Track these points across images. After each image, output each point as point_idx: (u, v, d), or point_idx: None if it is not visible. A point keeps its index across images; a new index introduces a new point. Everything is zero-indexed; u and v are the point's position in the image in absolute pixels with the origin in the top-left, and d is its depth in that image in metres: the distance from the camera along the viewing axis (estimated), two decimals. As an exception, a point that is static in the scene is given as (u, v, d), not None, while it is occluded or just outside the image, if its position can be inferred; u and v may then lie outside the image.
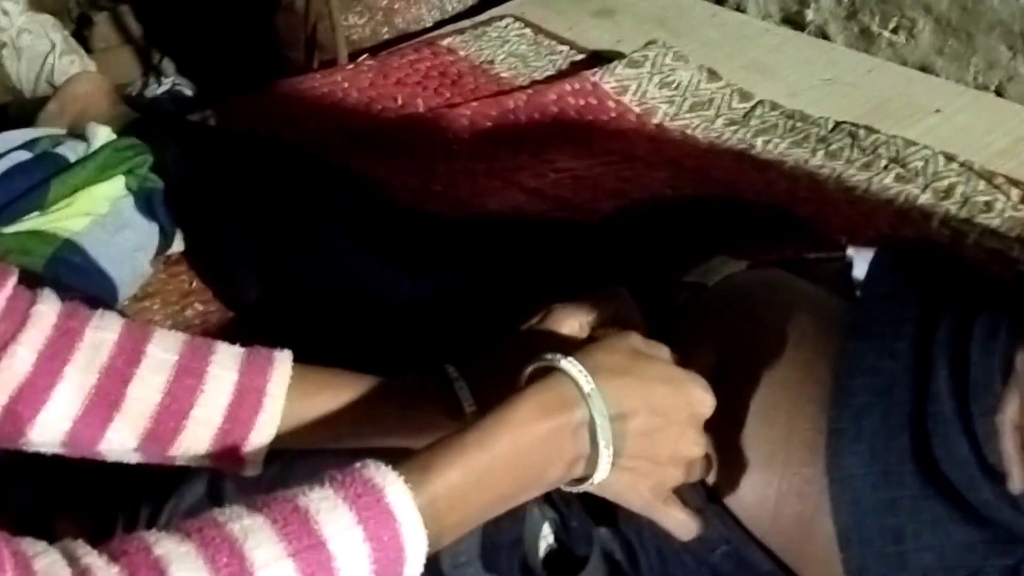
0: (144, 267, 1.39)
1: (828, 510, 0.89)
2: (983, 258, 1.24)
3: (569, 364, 0.72)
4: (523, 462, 0.69)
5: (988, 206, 1.30)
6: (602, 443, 0.72)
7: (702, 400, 0.78)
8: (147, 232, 1.39)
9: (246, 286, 1.35)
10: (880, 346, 0.94)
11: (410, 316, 1.20)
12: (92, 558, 0.56)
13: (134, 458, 0.80)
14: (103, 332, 0.78)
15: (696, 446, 0.79)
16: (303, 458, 0.85)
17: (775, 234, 1.17)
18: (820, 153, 1.50)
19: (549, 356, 0.73)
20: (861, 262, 1.04)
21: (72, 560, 0.55)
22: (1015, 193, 1.28)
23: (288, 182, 1.41)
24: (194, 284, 1.40)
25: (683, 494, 0.82)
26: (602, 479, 0.74)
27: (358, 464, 0.65)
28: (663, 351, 0.80)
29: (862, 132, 1.52)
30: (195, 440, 0.79)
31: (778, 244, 1.13)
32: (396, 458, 0.66)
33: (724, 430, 0.93)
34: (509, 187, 1.50)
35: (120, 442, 0.78)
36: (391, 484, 0.63)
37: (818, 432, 0.91)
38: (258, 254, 1.35)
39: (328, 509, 0.61)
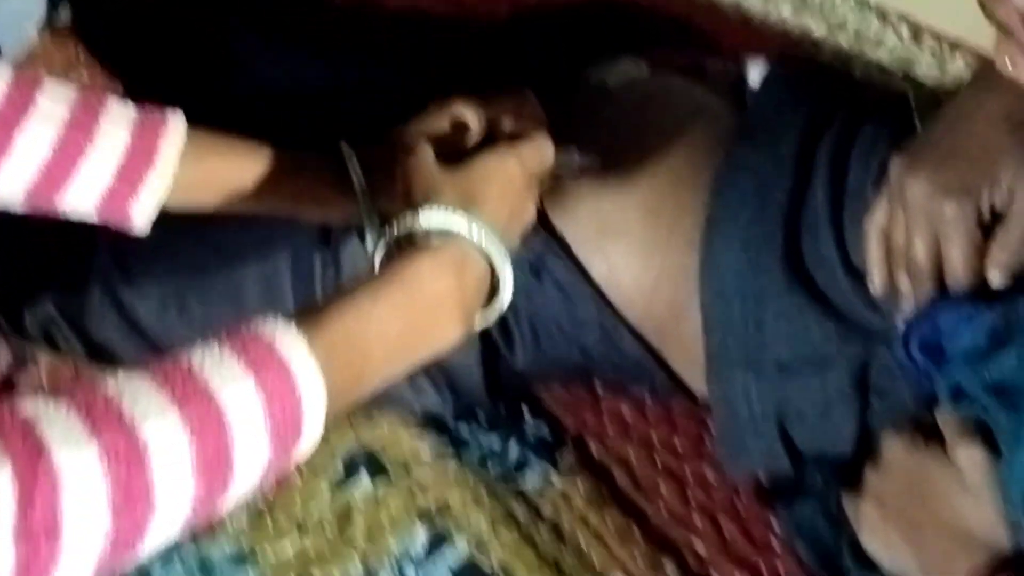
0: (30, 34, 1.35)
1: (698, 297, 0.93)
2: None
3: (433, 212, 0.70)
4: (424, 312, 0.67)
5: (879, 42, 1.33)
6: (502, 263, 0.71)
7: (517, 171, 0.78)
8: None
9: (135, 66, 1.32)
10: (764, 150, 0.97)
11: (303, 103, 1.19)
12: None
13: (20, 208, 0.79)
14: None
15: (530, 211, 0.80)
16: None
17: (676, 41, 1.19)
18: (722, -21, 1.50)
19: (406, 217, 0.70)
20: (755, 74, 1.07)
21: None
22: (905, 30, 1.31)
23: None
24: (81, 56, 1.36)
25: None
26: (508, 300, 0.74)
27: (247, 321, 0.59)
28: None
29: (763, -37, 1.52)
30: (83, 195, 0.78)
31: (679, 51, 1.14)
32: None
33: (610, 219, 0.96)
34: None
35: (9, 193, 0.77)
36: (281, 332, 0.58)
37: (698, 226, 0.94)
38: (148, 34, 1.32)
39: (214, 362, 0.56)
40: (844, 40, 1.36)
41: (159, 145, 0.79)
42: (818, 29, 1.39)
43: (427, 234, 0.69)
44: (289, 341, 0.58)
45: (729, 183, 0.95)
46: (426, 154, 0.76)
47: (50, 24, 1.38)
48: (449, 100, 0.88)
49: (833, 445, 0.90)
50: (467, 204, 0.71)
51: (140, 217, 0.80)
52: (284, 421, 0.57)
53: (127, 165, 0.78)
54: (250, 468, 0.56)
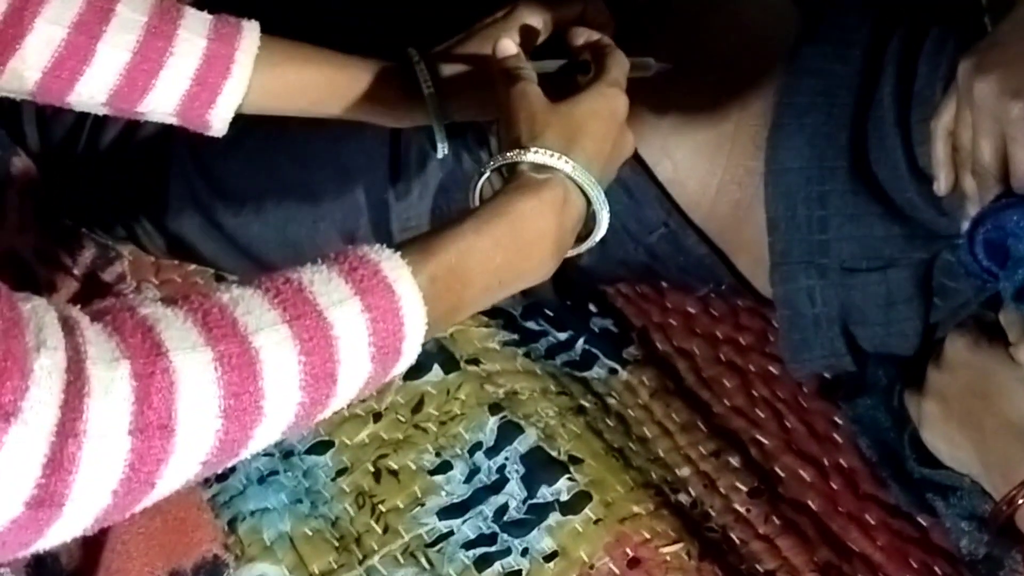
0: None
1: (763, 199, 0.95)
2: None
3: (540, 155, 0.70)
4: (524, 248, 0.68)
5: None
6: (600, 206, 0.72)
7: (622, 107, 0.77)
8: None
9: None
10: (830, 51, 0.97)
11: (361, 5, 1.19)
12: (73, 311, 0.52)
13: (102, 111, 0.82)
14: None
15: (630, 144, 0.79)
16: None
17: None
18: None
19: (510, 153, 0.71)
20: (820, -25, 1.06)
21: (57, 310, 0.51)
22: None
23: None
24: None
25: None
26: (604, 232, 0.75)
27: (349, 247, 0.61)
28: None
29: None
30: (163, 99, 0.81)
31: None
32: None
33: (677, 122, 0.97)
34: None
35: (89, 95, 0.80)
36: (387, 259, 0.60)
37: (764, 128, 0.96)
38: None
39: (323, 281, 0.57)
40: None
41: (235, 51, 0.82)
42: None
43: (531, 169, 0.70)
44: (395, 267, 0.60)
45: (795, 86, 0.96)
46: (530, 87, 0.76)
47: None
48: (513, 5, 0.89)
49: (896, 344, 0.93)
50: (571, 143, 0.71)
51: (217, 120, 0.84)
52: (386, 343, 0.59)
53: (204, 71, 0.81)
54: (351, 384, 0.59)
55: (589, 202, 0.72)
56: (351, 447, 0.94)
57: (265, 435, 0.56)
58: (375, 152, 1.00)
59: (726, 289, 1.02)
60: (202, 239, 1.05)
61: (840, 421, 0.97)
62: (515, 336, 1.02)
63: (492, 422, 0.95)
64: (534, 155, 0.70)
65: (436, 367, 0.98)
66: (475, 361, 1.00)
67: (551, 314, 1.04)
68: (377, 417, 0.96)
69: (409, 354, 0.61)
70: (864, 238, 0.93)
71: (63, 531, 0.50)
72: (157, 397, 0.51)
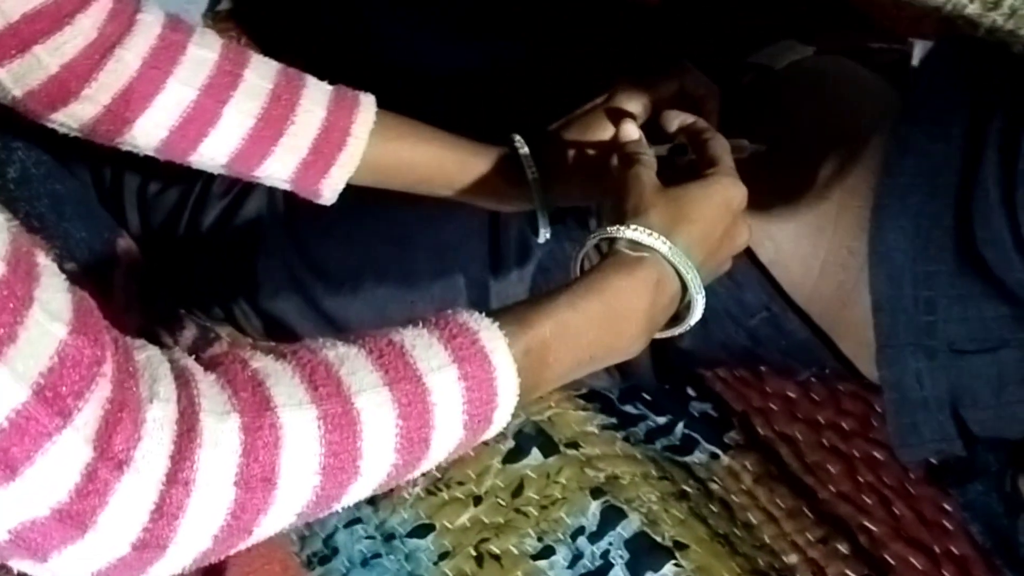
0: (195, 19, 1.40)
1: (867, 280, 0.94)
2: (1028, 69, 1.26)
3: (639, 233, 0.70)
4: (615, 325, 0.68)
5: (1036, 19, 1.31)
6: (695, 291, 0.72)
7: (736, 197, 0.78)
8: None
9: (294, 51, 1.36)
10: (932, 130, 0.97)
11: (457, 86, 1.21)
12: (188, 362, 0.55)
13: (220, 171, 0.85)
14: (204, 50, 0.81)
15: (743, 234, 0.80)
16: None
17: (841, 23, 1.19)
18: (873, -43, 1.49)
19: (610, 228, 0.71)
20: (919, 53, 1.06)
21: (172, 360, 0.54)
22: (1065, 6, 1.29)
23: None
24: (241, 40, 1.41)
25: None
26: (698, 318, 0.75)
27: (448, 311, 0.62)
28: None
29: (916, -60, 1.51)
30: (280, 166, 0.84)
31: (843, 32, 1.14)
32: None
33: (779, 203, 0.97)
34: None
35: (211, 157, 0.83)
36: (486, 328, 0.61)
37: (866, 208, 0.95)
38: (307, 19, 1.35)
39: (423, 346, 0.59)
40: (999, 18, 1.35)
41: (351, 124, 0.85)
42: (972, 6, 1.37)
43: (628, 246, 0.70)
44: (493, 338, 0.61)
45: (897, 165, 0.95)
46: (645, 171, 0.76)
47: (213, 9, 1.43)
48: (612, 89, 0.90)
49: (1007, 427, 0.91)
50: (673, 225, 0.71)
51: (327, 190, 0.87)
52: (479, 411, 0.60)
53: (321, 141, 0.84)
54: (443, 448, 0.60)
55: (685, 286, 0.72)
56: (452, 530, 0.93)
57: (358, 492, 0.58)
58: (474, 232, 1.01)
59: (828, 373, 1.01)
60: (299, 320, 1.05)
61: (949, 507, 0.95)
62: (613, 420, 1.02)
63: (594, 507, 0.94)
64: (633, 232, 0.70)
65: (535, 450, 0.98)
66: (574, 445, 0.99)
67: (649, 398, 1.04)
68: (478, 500, 0.95)
69: (499, 423, 0.62)
70: (973, 319, 0.91)
71: (163, 570, 0.53)
72: (263, 451, 0.53)
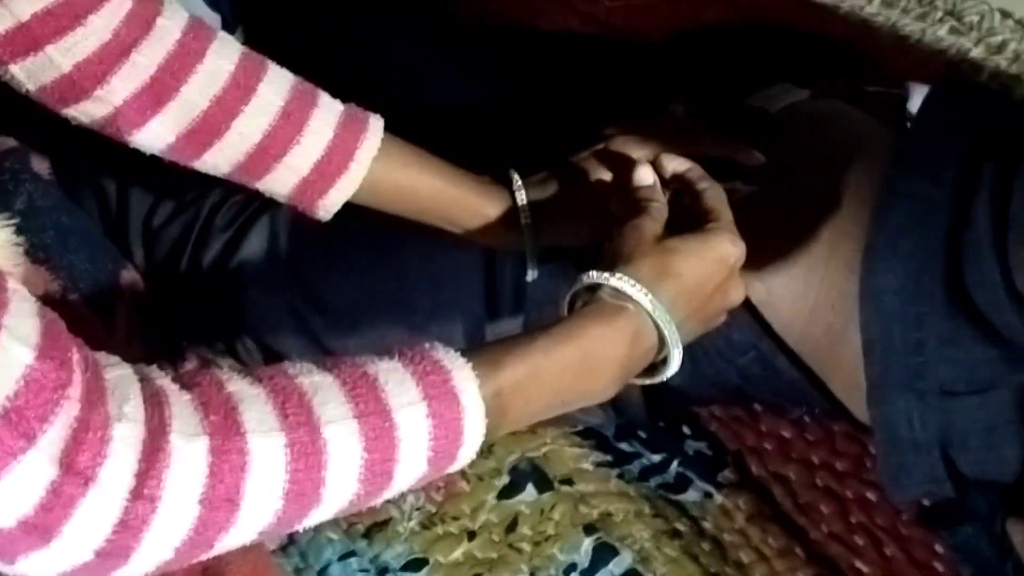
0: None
1: (857, 322, 0.94)
2: (1028, 113, 1.26)
3: (623, 282, 0.71)
4: (588, 372, 0.69)
5: (1038, 63, 1.31)
6: (672, 346, 0.72)
7: (733, 254, 0.78)
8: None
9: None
10: (924, 173, 0.97)
11: (462, 120, 1.23)
12: (164, 381, 0.56)
13: (222, 177, 0.86)
14: (222, 60, 0.81)
15: (738, 291, 0.80)
16: None
17: (837, 66, 1.20)
18: (876, 1, 1.50)
19: (596, 274, 0.72)
20: (917, 97, 1.07)
21: (144, 379, 0.55)
22: (1066, 51, 1.29)
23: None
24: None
25: None
26: (674, 371, 0.75)
27: (427, 344, 0.63)
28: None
29: (919, -16, 1.52)
30: (281, 182, 0.86)
31: (839, 76, 1.16)
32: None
33: (768, 245, 0.98)
34: (562, 9, 1.51)
35: (214, 165, 0.84)
36: (459, 368, 0.62)
37: (858, 251, 0.95)
38: (320, 56, 1.37)
39: (396, 381, 0.60)
40: (1003, 62, 1.35)
41: (356, 149, 0.85)
42: (976, 51, 1.38)
43: (611, 295, 0.71)
44: (464, 379, 0.62)
45: (889, 208, 0.96)
46: (648, 222, 0.77)
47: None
48: (611, 133, 0.91)
49: (997, 470, 0.91)
50: (660, 278, 0.72)
51: (322, 210, 0.88)
52: (444, 449, 0.62)
53: (324, 163, 0.85)
54: (404, 480, 0.62)
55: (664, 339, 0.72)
56: (446, 565, 0.94)
57: (319, 516, 0.60)
58: (469, 266, 1.02)
59: (820, 413, 1.01)
60: (299, 354, 1.07)
61: (940, 549, 0.95)
62: (608, 457, 1.02)
63: (587, 543, 0.95)
64: (617, 280, 0.71)
65: (530, 486, 0.99)
66: (568, 481, 1.00)
67: (644, 436, 1.05)
68: (471, 536, 0.96)
69: (463, 460, 0.64)
70: (963, 361, 0.92)
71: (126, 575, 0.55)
72: (229, 474, 0.55)
